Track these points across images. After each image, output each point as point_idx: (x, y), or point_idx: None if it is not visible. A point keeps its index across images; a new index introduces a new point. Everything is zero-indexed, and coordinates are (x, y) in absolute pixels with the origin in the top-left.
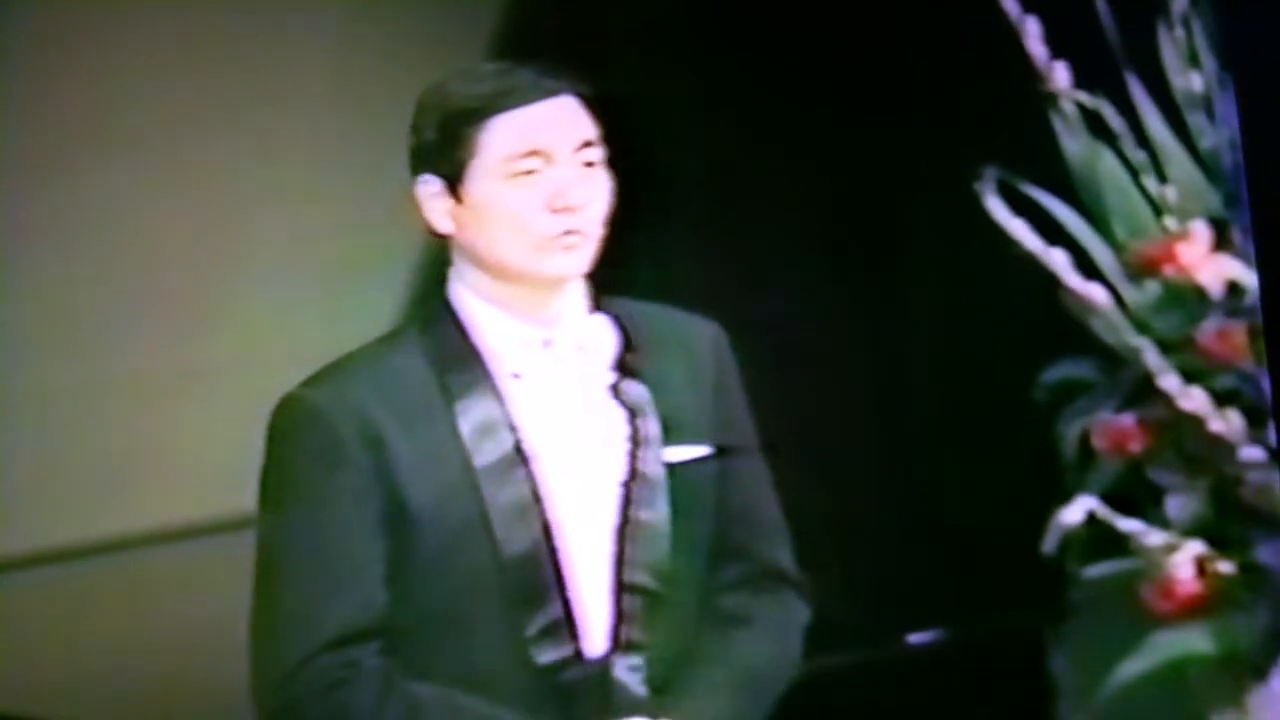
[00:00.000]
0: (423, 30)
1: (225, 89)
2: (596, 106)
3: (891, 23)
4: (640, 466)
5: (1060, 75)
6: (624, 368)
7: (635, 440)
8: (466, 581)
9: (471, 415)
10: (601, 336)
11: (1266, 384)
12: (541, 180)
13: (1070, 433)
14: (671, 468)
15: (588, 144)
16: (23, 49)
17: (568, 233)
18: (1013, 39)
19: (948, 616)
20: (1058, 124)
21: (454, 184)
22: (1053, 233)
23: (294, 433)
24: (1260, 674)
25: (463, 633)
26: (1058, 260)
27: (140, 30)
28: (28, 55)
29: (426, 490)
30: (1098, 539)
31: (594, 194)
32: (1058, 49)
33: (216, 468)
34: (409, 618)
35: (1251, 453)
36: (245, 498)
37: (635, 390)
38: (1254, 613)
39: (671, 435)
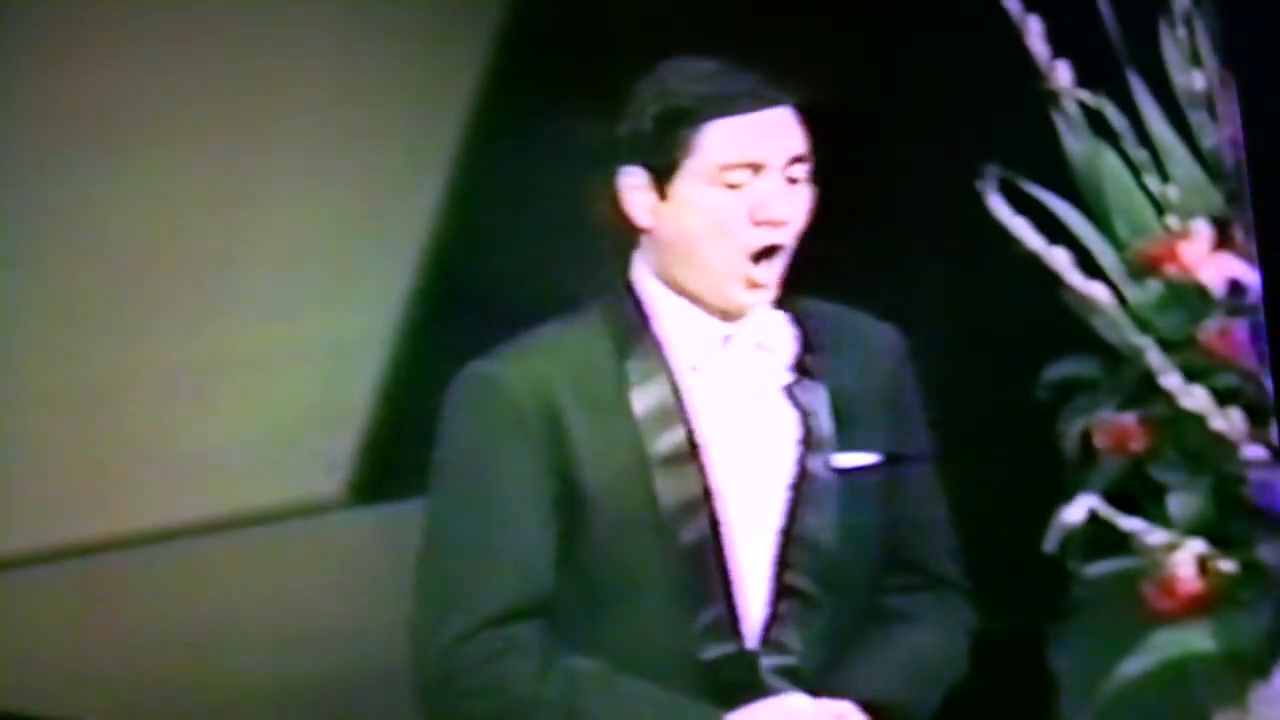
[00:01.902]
0: (425, 26)
1: (227, 86)
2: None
3: (892, 21)
4: (809, 470)
5: (1062, 74)
6: (802, 369)
7: (807, 443)
8: (634, 568)
9: (647, 402)
10: (782, 335)
11: (1268, 382)
12: (747, 191)
13: (1072, 431)
14: (842, 473)
15: (798, 159)
16: (23, 48)
17: (767, 250)
18: (1014, 37)
19: None
20: (1059, 122)
21: (661, 180)
22: (1054, 231)
23: (475, 405)
24: (1262, 673)
25: (626, 618)
26: (1059, 259)
27: (140, 28)
28: (28, 54)
29: (600, 473)
30: (1099, 537)
31: (796, 210)
32: (1059, 47)
33: (220, 465)
34: (575, 598)
35: (1253, 451)
36: (248, 495)
37: (811, 392)
38: (1256, 611)
39: (845, 440)
